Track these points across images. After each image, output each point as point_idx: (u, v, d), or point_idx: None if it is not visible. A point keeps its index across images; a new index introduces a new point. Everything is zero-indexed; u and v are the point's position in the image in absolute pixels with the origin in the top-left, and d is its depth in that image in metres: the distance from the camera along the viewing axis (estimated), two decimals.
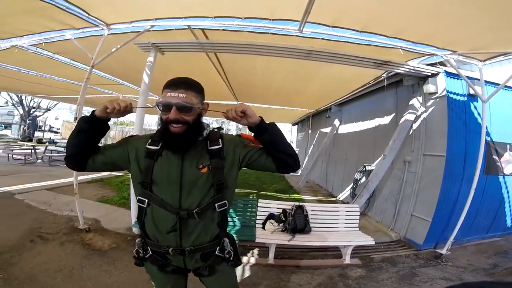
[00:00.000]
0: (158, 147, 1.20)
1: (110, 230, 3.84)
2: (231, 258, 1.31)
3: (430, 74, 4.17)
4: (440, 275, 3.34)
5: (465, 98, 4.14)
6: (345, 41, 3.38)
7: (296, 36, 3.24)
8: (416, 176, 4.50)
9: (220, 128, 1.31)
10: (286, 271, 3.19)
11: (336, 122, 8.47)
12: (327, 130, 9.03)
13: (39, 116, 17.96)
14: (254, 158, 1.25)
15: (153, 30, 3.41)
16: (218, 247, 1.27)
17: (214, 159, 1.20)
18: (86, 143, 1.19)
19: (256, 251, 3.61)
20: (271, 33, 3.34)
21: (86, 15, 3.08)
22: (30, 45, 4.35)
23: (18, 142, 13.86)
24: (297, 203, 3.79)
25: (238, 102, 7.96)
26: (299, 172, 12.66)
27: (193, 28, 3.33)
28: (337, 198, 7.42)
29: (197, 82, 1.20)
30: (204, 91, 1.23)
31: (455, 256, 3.88)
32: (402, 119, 4.80)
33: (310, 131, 11.88)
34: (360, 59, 3.61)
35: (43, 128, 21.24)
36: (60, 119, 26.23)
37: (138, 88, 7.43)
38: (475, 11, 2.36)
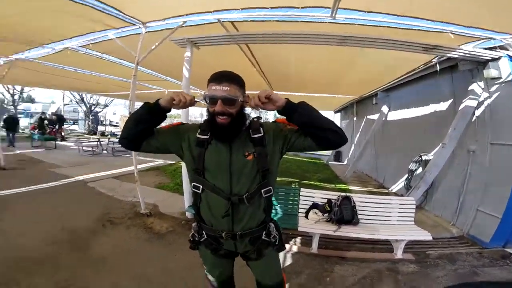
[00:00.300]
0: (207, 136, 1.25)
1: (167, 214, 4.15)
2: (276, 243, 1.37)
3: (490, 58, 3.65)
4: (506, 276, 2.99)
5: None
6: (384, 26, 3.06)
7: (329, 22, 3.02)
8: (483, 168, 3.95)
9: (259, 118, 1.32)
10: (330, 261, 3.10)
11: (385, 108, 7.82)
12: (375, 117, 8.41)
13: (100, 112, 20.25)
14: (293, 140, 1.26)
15: (185, 26, 3.49)
16: (264, 232, 1.34)
17: (257, 146, 1.25)
18: (145, 129, 1.25)
19: (298, 239, 3.58)
20: (301, 21, 3.17)
21: (122, 14, 3.28)
22: (80, 46, 4.81)
23: (85, 135, 15.86)
24: (343, 194, 3.61)
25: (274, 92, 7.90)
26: (345, 161, 12.14)
27: (223, 21, 3.33)
28: (389, 189, 6.92)
29: (238, 75, 1.23)
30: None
31: None
32: (462, 106, 4.28)
33: (355, 118, 11.21)
34: (405, 43, 3.24)
35: (104, 123, 23.96)
36: (117, 113, 29.31)
37: (179, 82, 7.85)
38: None
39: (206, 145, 1.26)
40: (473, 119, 4.21)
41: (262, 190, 1.26)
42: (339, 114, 15.02)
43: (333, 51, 3.90)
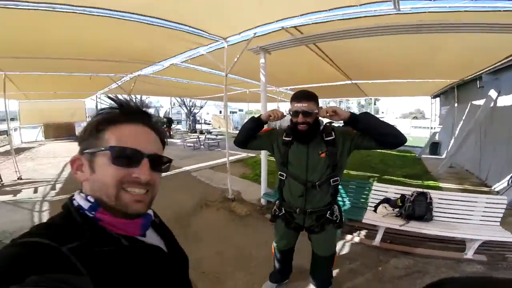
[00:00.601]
0: (290, 139, 1.75)
1: (247, 200, 4.94)
2: (337, 221, 1.79)
3: None
4: None
5: None
6: (461, 11, 2.77)
7: (395, 14, 2.93)
8: None
9: (331, 123, 1.75)
10: (388, 254, 3.14)
11: (492, 93, 6.49)
12: (480, 102, 7.09)
13: (197, 112, 23.77)
14: (358, 142, 1.63)
15: (257, 36, 4.03)
16: (329, 211, 1.76)
17: (329, 147, 1.66)
18: (251, 134, 1.81)
19: (363, 232, 3.66)
20: (364, 17, 3.19)
21: (207, 33, 4.06)
22: (181, 62, 6.03)
23: (188, 133, 19.04)
24: (419, 190, 3.48)
25: (352, 81, 7.63)
26: (444, 154, 10.42)
27: (286, 28, 3.71)
28: (492, 188, 5.85)
29: (313, 93, 1.67)
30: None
31: None
32: None
33: (456, 104, 9.52)
34: (497, 25, 2.83)
35: (200, 122, 27.93)
36: (210, 113, 33.89)
37: (256, 82, 8.66)
38: None
39: (289, 145, 1.74)
40: None
41: (331, 180, 1.69)
42: (437, 99, 12.87)
43: (410, 38, 3.76)
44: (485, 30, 2.94)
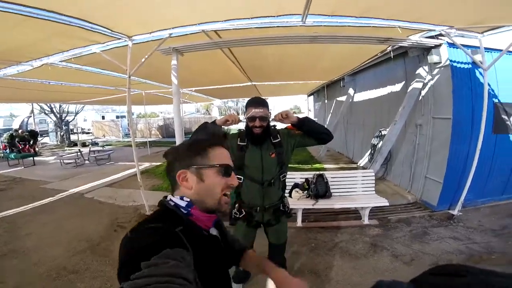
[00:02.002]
0: (245, 143, 1.87)
1: None
2: (288, 212, 2.03)
3: (433, 45, 4.29)
4: (450, 234, 3.65)
5: (470, 66, 4.25)
6: (345, 25, 3.56)
7: (300, 26, 3.46)
8: (427, 138, 4.73)
9: (275, 126, 1.93)
10: (312, 231, 3.76)
11: (351, 90, 8.61)
12: (343, 98, 9.19)
13: (71, 120, 18.91)
14: (302, 141, 1.88)
15: (171, 37, 3.77)
16: (281, 204, 1.97)
17: (277, 148, 1.86)
18: None
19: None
20: (277, 26, 3.57)
21: (110, 31, 3.48)
22: (60, 61, 4.82)
23: (65, 148, 14.91)
24: (317, 172, 4.22)
25: (251, 83, 8.31)
26: None
27: (207, 31, 3.67)
28: (358, 164, 7.74)
29: (266, 100, 1.84)
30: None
31: (467, 217, 4.12)
32: (410, 87, 5.00)
33: (326, 101, 11.98)
34: (362, 38, 3.81)
35: (75, 131, 22.62)
36: (88, 120, 27.60)
37: (162, 84, 8.01)
38: None
39: (245, 149, 1.86)
40: (419, 98, 4.94)
41: (281, 176, 1.90)
42: (312, 97, 15.71)
43: (306, 46, 4.36)
44: (356, 41, 3.88)
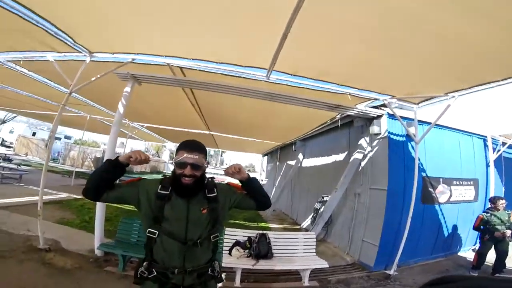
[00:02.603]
0: (168, 192, 1.50)
1: (72, 251, 3.77)
2: (218, 276, 1.63)
3: (375, 116, 4.85)
4: None
5: (403, 138, 4.88)
6: (304, 87, 3.95)
7: (264, 81, 3.73)
8: (365, 206, 5.04)
9: (213, 178, 1.65)
10: None
11: (300, 156, 9.11)
12: (293, 162, 9.61)
13: None
14: (242, 201, 1.65)
15: (133, 63, 3.69)
16: (210, 268, 1.58)
17: (211, 203, 1.55)
18: (106, 181, 1.47)
19: (223, 275, 3.74)
20: (243, 77, 3.80)
21: (72, 41, 3.29)
22: (8, 61, 4.35)
23: None
24: (261, 232, 4.04)
25: (210, 132, 8.30)
26: None
27: (172, 66, 3.69)
28: (301, 226, 7.73)
29: (203, 146, 1.58)
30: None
31: (403, 276, 4.31)
32: (352, 157, 5.47)
33: (278, 163, 12.45)
34: (316, 102, 4.19)
35: None
36: (15, 132, 23.97)
37: (110, 112, 7.47)
38: (407, 63, 2.98)
39: (167, 199, 1.49)
40: (359, 169, 5.37)
41: (211, 236, 1.56)
42: (266, 157, 16.27)
43: (265, 103, 4.57)
44: (311, 105, 4.22)
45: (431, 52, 2.67)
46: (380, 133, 4.88)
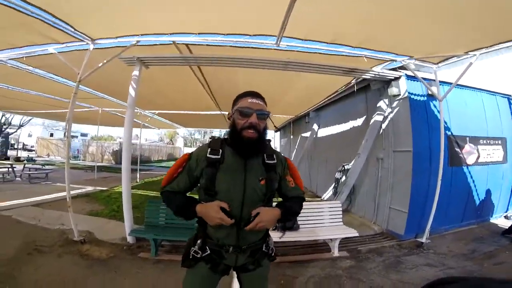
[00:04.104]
0: (219, 156, 1.28)
1: (105, 241, 3.88)
2: (272, 254, 1.49)
3: (393, 78, 4.61)
4: (424, 261, 3.58)
5: (425, 98, 4.61)
6: (316, 52, 3.69)
7: (274, 49, 3.49)
8: (389, 171, 4.87)
9: (269, 141, 1.41)
10: (280, 266, 3.35)
11: (315, 126, 8.92)
12: (307, 134, 9.45)
13: (12, 133, 16.71)
14: (281, 188, 1.42)
15: (138, 45, 3.53)
16: (264, 244, 1.43)
17: (269, 172, 1.33)
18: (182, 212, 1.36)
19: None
20: (252, 47, 3.57)
21: (72, 30, 3.15)
22: (10, 59, 4.29)
23: None
24: None
25: (221, 112, 8.15)
26: None
27: (178, 43, 3.51)
28: (322, 197, 7.72)
29: None
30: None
31: (435, 244, 4.16)
32: (372, 120, 5.24)
33: (292, 136, 12.28)
34: (331, 67, 3.97)
35: (15, 146, 19.95)
36: (34, 135, 24.89)
37: (119, 101, 7.44)
38: (425, 21, 2.74)
39: (218, 166, 1.27)
40: (380, 132, 5.16)
41: None
42: (278, 132, 16.10)
43: (276, 74, 4.43)
44: (324, 70, 4.00)
45: (450, 8, 2.44)
46: (399, 94, 4.64)
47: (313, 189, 9.20)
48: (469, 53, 3.36)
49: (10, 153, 16.43)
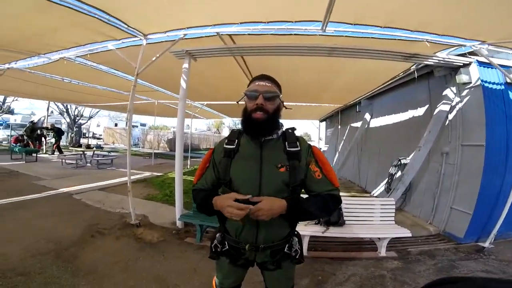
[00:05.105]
0: (234, 146, 1.28)
1: (157, 224, 4.20)
2: (297, 256, 1.35)
3: (461, 64, 4.09)
4: (482, 268, 3.26)
5: (503, 87, 4.00)
6: (368, 37, 3.40)
7: (320, 35, 3.30)
8: (455, 168, 4.33)
9: (294, 129, 1.35)
10: (319, 261, 3.26)
11: (367, 116, 8.30)
12: (358, 124, 8.88)
13: (83, 124, 19.47)
14: (306, 181, 1.26)
15: (185, 38, 3.66)
16: (287, 245, 1.32)
17: (292, 160, 1.23)
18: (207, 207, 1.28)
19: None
20: (295, 34, 3.44)
21: (126, 26, 3.40)
22: (77, 57, 4.85)
23: (69, 148, 15.37)
24: None
25: None
26: None
27: (222, 34, 3.54)
28: (371, 193, 7.22)
29: (276, 80, 1.32)
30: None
31: (499, 250, 3.70)
32: (437, 110, 4.68)
33: (339, 127, 11.68)
34: (387, 52, 3.62)
35: (86, 135, 23.07)
36: (101, 125, 28.49)
37: (172, 93, 7.96)
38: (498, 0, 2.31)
39: (233, 155, 1.26)
40: (446, 123, 4.59)
41: None
42: (324, 123, 15.47)
43: (322, 61, 4.21)
44: (378, 56, 3.67)
45: None
46: (470, 82, 4.08)
47: (361, 184, 8.63)
48: None
49: (82, 141, 18.97)
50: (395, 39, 3.40)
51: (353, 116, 9.69)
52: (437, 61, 3.95)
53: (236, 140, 1.29)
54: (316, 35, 3.34)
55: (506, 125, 3.85)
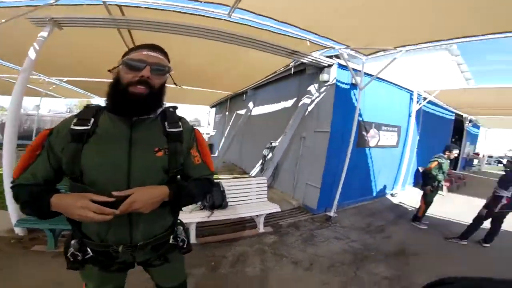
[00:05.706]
0: (88, 127, 0.98)
1: None
2: (184, 246, 1.24)
3: (327, 65, 5.00)
4: (332, 235, 4.01)
5: (348, 86, 5.19)
6: (265, 29, 3.64)
7: (225, 20, 3.28)
8: (310, 150, 5.41)
9: (175, 108, 1.18)
10: (209, 247, 3.36)
11: (251, 104, 9.09)
12: (243, 112, 9.56)
13: None
14: (183, 165, 1.15)
15: (57, 5, 2.91)
16: (172, 236, 1.20)
17: (173, 142, 1.08)
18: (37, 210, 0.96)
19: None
20: (200, 15, 3.28)
21: None
22: None
23: None
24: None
25: None
26: (216, 153, 12.95)
27: (109, 4, 3.01)
28: (250, 174, 7.98)
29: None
30: None
31: (340, 218, 4.72)
32: (301, 102, 5.67)
33: (227, 113, 12.24)
34: (277, 47, 4.03)
35: None
36: None
37: (17, 67, 5.97)
38: (365, 13, 2.95)
39: (86, 138, 0.97)
40: (306, 113, 5.64)
41: None
42: (214, 109, 15.75)
43: (217, 48, 4.15)
44: (269, 49, 4.01)
45: (390, 4, 2.71)
46: (328, 81, 5.08)
47: (242, 166, 9.55)
48: (398, 48, 3.84)
49: None
50: (286, 35, 3.78)
51: (239, 104, 10.37)
52: (311, 59, 4.67)
53: (93, 119, 1.00)
54: (221, 19, 3.28)
55: (344, 117, 5.01)
